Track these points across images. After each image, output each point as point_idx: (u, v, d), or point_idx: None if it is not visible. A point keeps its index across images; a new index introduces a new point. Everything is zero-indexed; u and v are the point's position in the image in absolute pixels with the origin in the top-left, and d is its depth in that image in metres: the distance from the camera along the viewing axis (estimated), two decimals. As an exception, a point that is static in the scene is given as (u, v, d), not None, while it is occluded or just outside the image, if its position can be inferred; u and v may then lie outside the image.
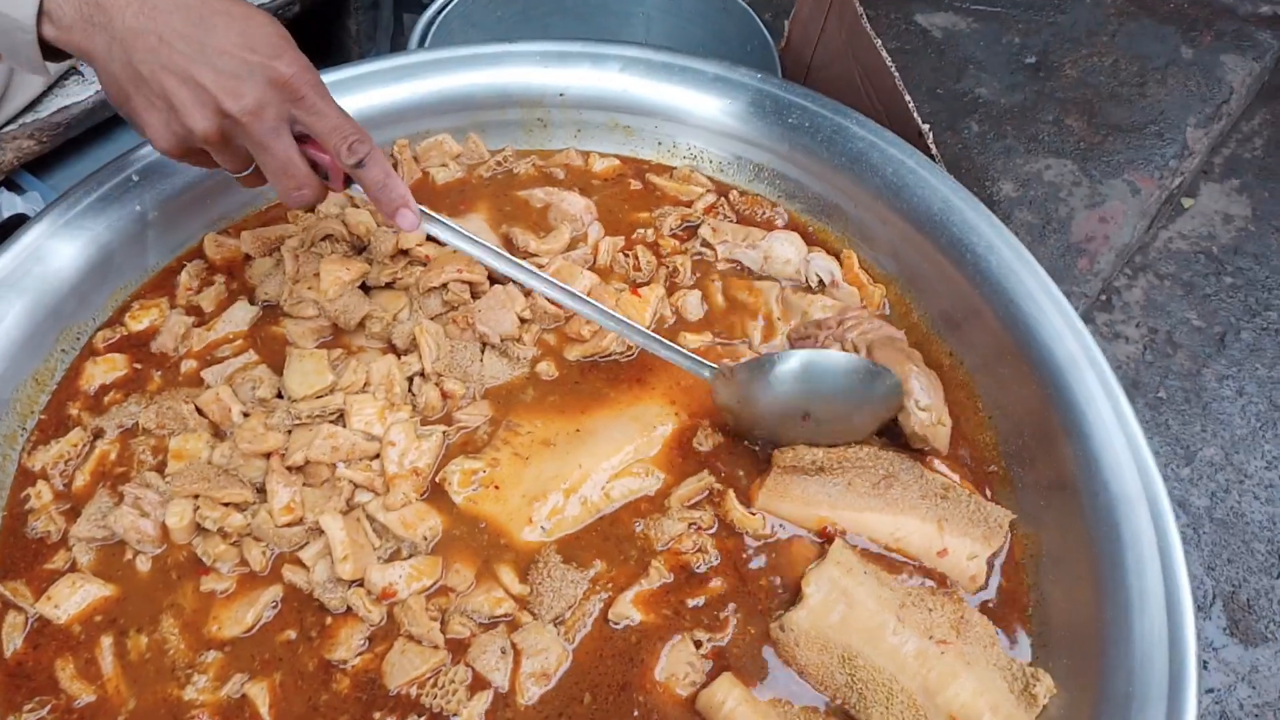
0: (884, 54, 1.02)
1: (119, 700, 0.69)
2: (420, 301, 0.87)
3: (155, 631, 0.72)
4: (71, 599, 0.73)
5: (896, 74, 1.01)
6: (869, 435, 0.81)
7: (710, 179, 1.01)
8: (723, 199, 0.99)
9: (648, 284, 0.92)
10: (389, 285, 0.89)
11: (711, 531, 0.78)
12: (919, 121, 0.98)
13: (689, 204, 0.98)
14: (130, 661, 0.71)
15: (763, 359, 0.79)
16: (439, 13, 1.27)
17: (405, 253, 0.90)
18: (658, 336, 0.82)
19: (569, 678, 0.71)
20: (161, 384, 0.85)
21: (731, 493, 0.79)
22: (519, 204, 0.99)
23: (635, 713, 0.69)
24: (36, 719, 0.68)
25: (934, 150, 0.97)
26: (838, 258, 0.94)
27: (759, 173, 0.99)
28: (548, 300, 0.87)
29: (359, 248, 0.91)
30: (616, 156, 1.03)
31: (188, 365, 0.86)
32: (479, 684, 0.71)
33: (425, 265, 0.89)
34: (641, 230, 0.97)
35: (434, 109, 1.00)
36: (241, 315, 0.89)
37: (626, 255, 0.94)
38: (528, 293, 0.89)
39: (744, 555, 0.77)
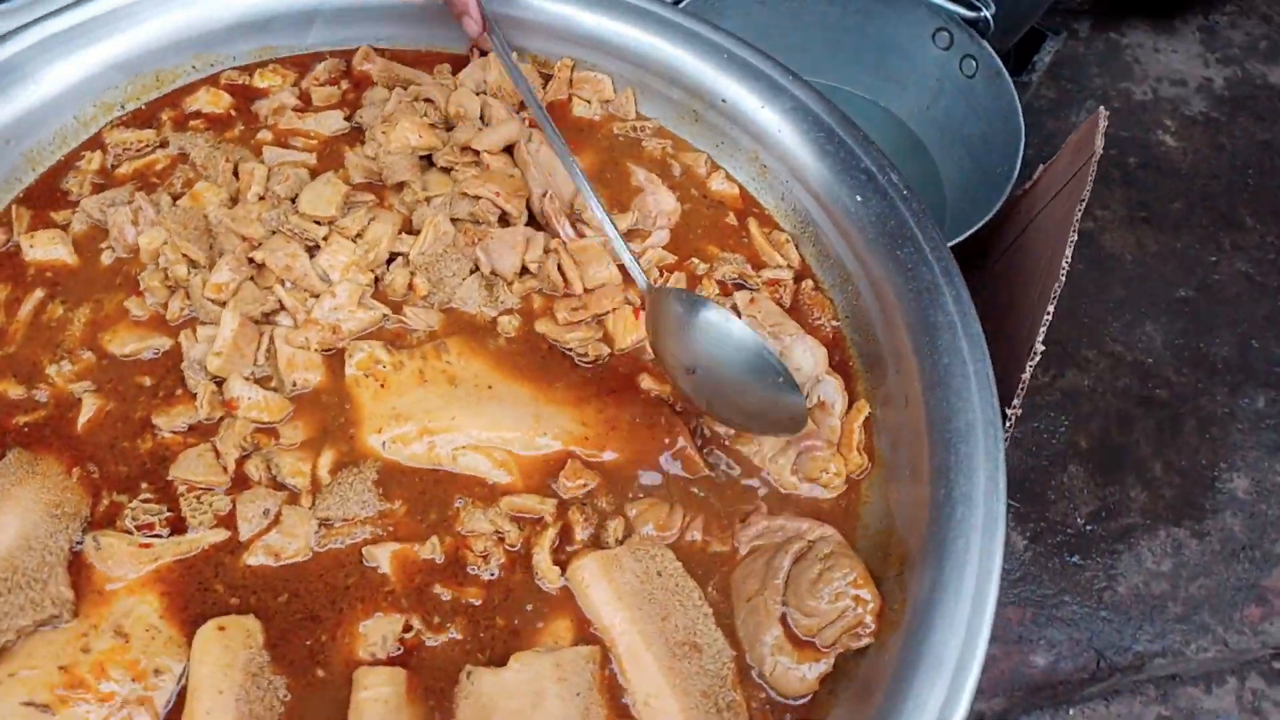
0: (1067, 253, 0.91)
1: (10, 339, 0.86)
2: (454, 200, 0.94)
3: (72, 310, 0.88)
4: (46, 248, 0.91)
5: (1060, 281, 0.90)
6: (765, 438, 0.85)
7: (800, 258, 0.97)
8: (794, 284, 0.95)
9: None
10: (446, 170, 0.97)
11: (511, 549, 0.79)
12: (1038, 342, 0.87)
13: (760, 265, 0.96)
14: (40, 320, 0.88)
15: (685, 294, 0.84)
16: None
17: (475, 152, 0.97)
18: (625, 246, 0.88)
19: (289, 571, 0.77)
20: (236, 137, 1.00)
21: (553, 535, 0.79)
22: (621, 172, 1.03)
23: (308, 642, 0.74)
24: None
25: (1007, 412, 0.86)
26: (853, 403, 0.88)
27: (844, 283, 0.94)
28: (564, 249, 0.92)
29: (448, 126, 1.00)
30: (739, 185, 1.02)
31: (263, 135, 1.00)
32: (228, 521, 0.79)
33: (480, 170, 0.96)
34: (696, 260, 0.96)
35: (609, 51, 1.05)
36: (330, 123, 1.02)
37: (662, 275, 0.94)
38: (548, 250, 0.93)
39: (516, 589, 0.78)
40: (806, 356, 0.90)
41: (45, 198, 0.95)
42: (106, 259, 0.92)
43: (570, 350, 0.91)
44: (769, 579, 0.79)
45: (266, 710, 0.71)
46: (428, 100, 1.00)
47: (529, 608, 0.78)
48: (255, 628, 0.75)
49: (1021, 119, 1.23)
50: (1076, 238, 0.93)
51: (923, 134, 1.48)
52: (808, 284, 0.97)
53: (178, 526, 0.79)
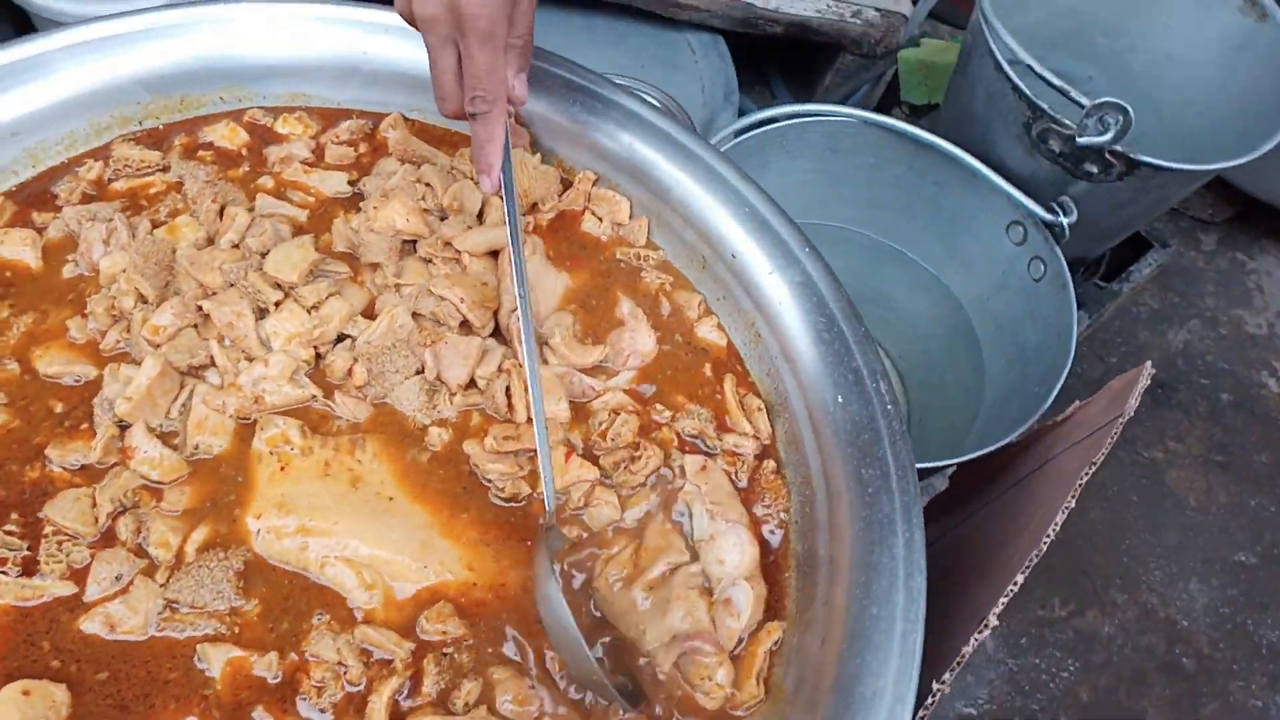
0: (1057, 520, 0.82)
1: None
2: (421, 294, 0.92)
3: (16, 316, 0.89)
4: (13, 248, 0.92)
5: (1040, 550, 0.81)
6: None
7: (771, 432, 0.92)
8: (754, 460, 0.90)
9: (595, 464, 0.87)
10: (426, 261, 0.95)
11: (351, 687, 0.75)
12: (991, 615, 0.78)
13: (726, 429, 0.91)
14: (-18, 317, 0.89)
15: (555, 547, 0.82)
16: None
17: (458, 251, 0.94)
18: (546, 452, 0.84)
19: (118, 648, 0.75)
20: (239, 177, 1.01)
21: (397, 685, 0.74)
22: (609, 300, 0.99)
23: (107, 728, 0.71)
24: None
25: (934, 686, 0.78)
26: (767, 620, 0.81)
27: (804, 483, 0.87)
28: (505, 373, 0.89)
29: (443, 216, 0.98)
30: (728, 338, 0.97)
31: (264, 181, 1.01)
32: (79, 577, 0.77)
33: (458, 269, 0.93)
34: (661, 406, 0.91)
35: (633, 174, 1.02)
36: (332, 184, 1.02)
37: (610, 417, 0.90)
38: (503, 370, 0.90)
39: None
40: (734, 552, 0.84)
41: (34, 197, 0.97)
42: (68, 272, 0.93)
43: (490, 481, 0.87)
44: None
45: (38, 794, 0.69)
46: (428, 184, 0.99)
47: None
48: (63, 701, 0.72)
49: (1074, 343, 1.15)
50: (1074, 504, 0.85)
51: (978, 322, 1.40)
52: (769, 465, 0.91)
53: (29, 568, 0.78)
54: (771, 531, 0.89)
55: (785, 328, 0.93)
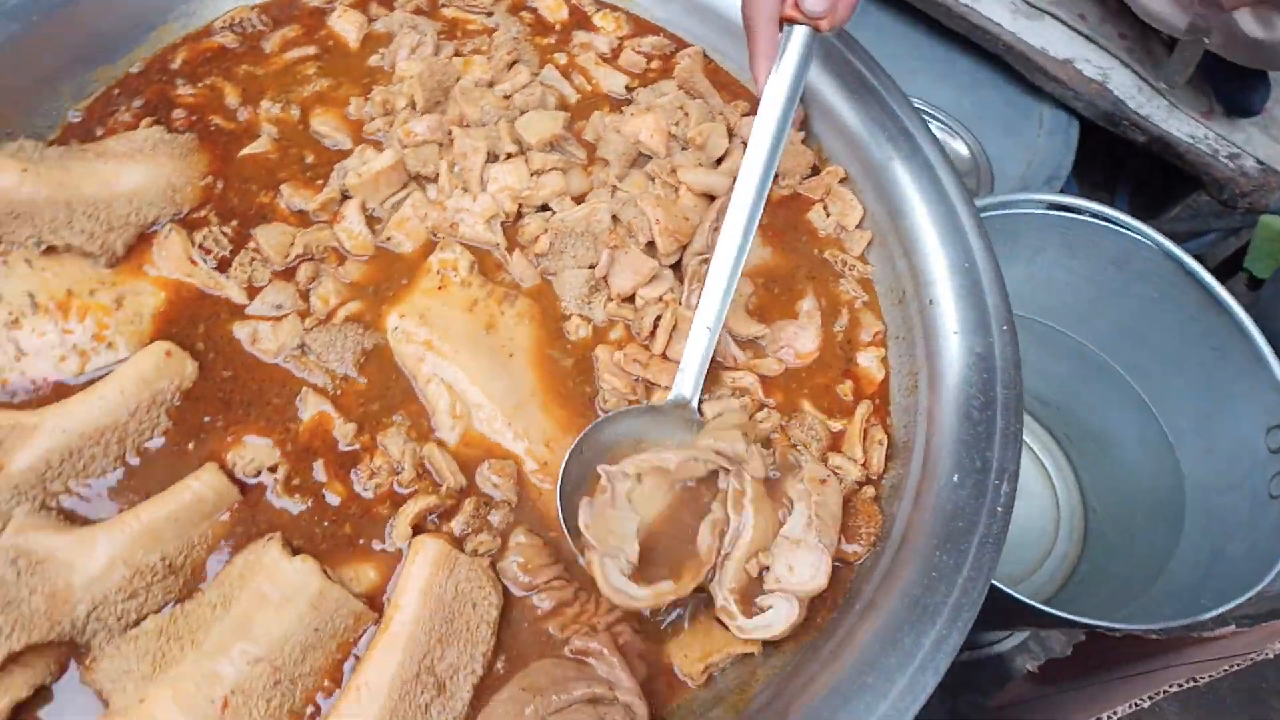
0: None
1: (267, 64, 1.05)
2: (628, 204, 0.97)
3: (319, 78, 1.05)
4: (344, 24, 1.09)
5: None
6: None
7: (880, 469, 0.90)
8: (854, 485, 0.88)
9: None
10: (650, 178, 1.01)
11: (397, 489, 0.83)
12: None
13: (836, 449, 0.90)
14: (295, 68, 1.06)
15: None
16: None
17: (679, 181, 0.99)
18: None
19: (249, 358, 0.88)
20: (541, 46, 1.12)
21: (432, 504, 0.81)
22: (795, 291, 0.99)
23: (205, 418, 0.84)
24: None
25: None
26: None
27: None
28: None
29: (684, 146, 1.03)
30: (887, 375, 0.95)
31: (559, 57, 1.11)
32: (252, 292, 0.90)
33: (672, 196, 0.98)
34: (777, 414, 0.92)
35: (879, 194, 1.02)
36: (614, 82, 1.10)
37: (738, 393, 0.91)
38: (663, 299, 0.94)
39: (369, 517, 0.82)
40: (807, 570, 0.83)
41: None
42: (373, 61, 1.07)
43: (600, 389, 0.92)
44: (540, 710, 0.76)
45: (135, 433, 0.83)
46: (686, 114, 1.04)
47: (364, 541, 0.82)
48: (190, 374, 0.86)
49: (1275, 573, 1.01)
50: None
51: (1192, 501, 1.26)
52: (868, 491, 0.89)
53: (222, 266, 0.92)
54: (860, 558, 0.88)
55: (943, 389, 0.90)
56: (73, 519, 0.79)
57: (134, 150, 0.95)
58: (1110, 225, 1.25)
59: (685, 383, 0.88)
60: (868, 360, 0.97)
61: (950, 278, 0.95)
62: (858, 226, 1.04)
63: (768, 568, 0.83)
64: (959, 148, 1.53)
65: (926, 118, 1.55)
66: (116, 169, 0.93)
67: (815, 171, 1.07)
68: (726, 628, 0.81)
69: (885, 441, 0.91)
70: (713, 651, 0.82)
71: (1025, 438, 1.46)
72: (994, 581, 0.96)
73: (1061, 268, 1.30)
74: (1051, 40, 1.59)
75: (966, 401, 0.88)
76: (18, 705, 0.72)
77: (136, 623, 0.76)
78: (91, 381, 0.84)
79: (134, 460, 0.82)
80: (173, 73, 1.04)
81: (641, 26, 1.16)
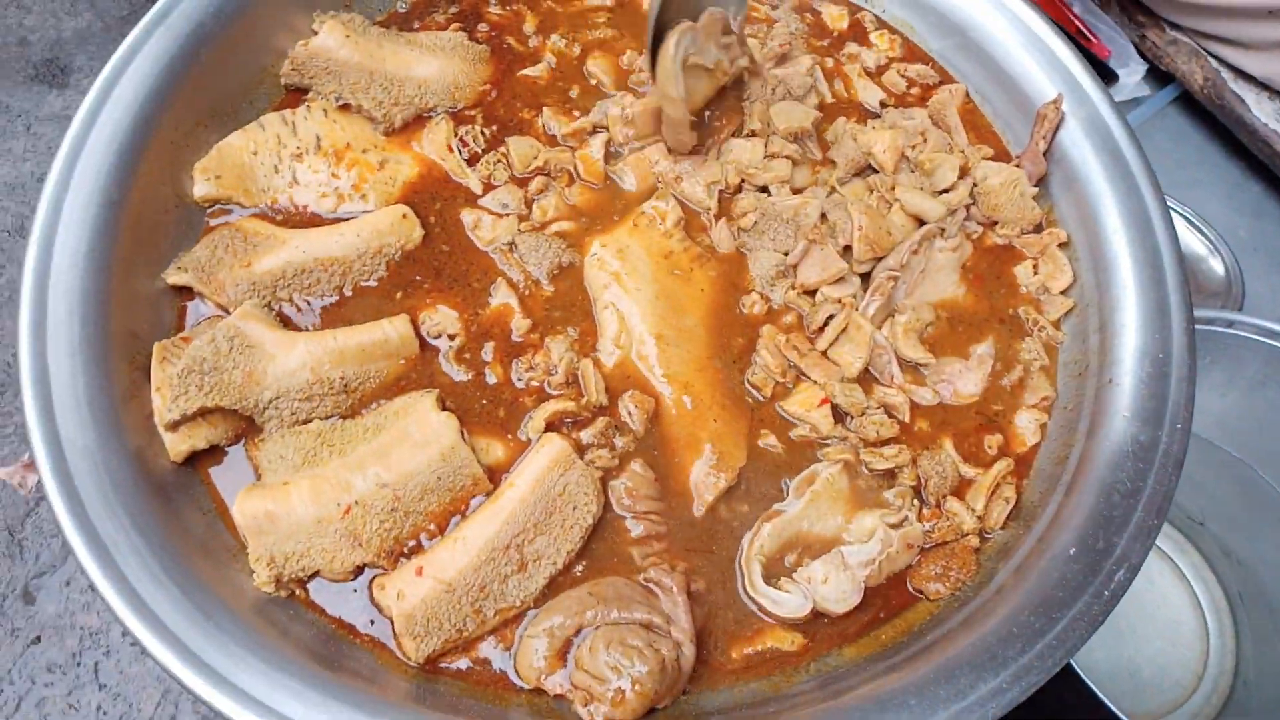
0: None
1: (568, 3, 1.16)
2: (840, 206, 1.00)
3: (607, 29, 1.15)
4: None
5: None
6: None
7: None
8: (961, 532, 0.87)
9: (837, 421, 0.91)
10: (870, 189, 1.03)
11: (546, 388, 0.91)
12: None
13: (958, 498, 0.89)
14: (586, 14, 1.16)
15: None
16: None
17: (895, 197, 1.01)
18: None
19: (470, 246, 0.99)
20: (815, 48, 1.17)
21: (570, 410, 0.89)
22: (976, 334, 0.99)
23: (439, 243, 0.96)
24: None
25: None
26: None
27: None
28: None
29: (912, 168, 1.04)
30: (1038, 443, 0.93)
31: (828, 60, 1.15)
32: (488, 187, 1.02)
33: (884, 209, 1.00)
34: (906, 448, 0.92)
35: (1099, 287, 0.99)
36: (870, 95, 1.13)
37: (882, 409, 0.92)
38: (841, 301, 0.96)
39: (521, 403, 0.91)
40: (836, 594, 0.84)
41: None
42: (656, 22, 1.17)
43: (754, 363, 0.95)
44: (600, 616, 0.81)
45: (358, 271, 0.95)
46: (925, 140, 1.05)
47: (504, 422, 0.90)
48: (416, 238, 0.98)
49: None
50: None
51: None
52: (972, 539, 0.88)
53: (472, 160, 1.04)
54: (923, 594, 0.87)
55: (1093, 466, 0.86)
56: (287, 324, 0.92)
57: (437, 47, 1.09)
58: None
59: None
60: (1026, 421, 0.95)
61: (1138, 362, 0.91)
62: (1062, 292, 1.01)
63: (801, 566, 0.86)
64: (1215, 266, 1.42)
65: (1189, 228, 1.47)
66: (418, 57, 1.08)
67: (1038, 230, 1.05)
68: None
69: (1012, 500, 0.90)
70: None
71: (1195, 586, 1.35)
72: (1091, 684, 0.91)
73: (1265, 385, 1.19)
74: (1359, 186, 1.45)
75: (1113, 484, 0.85)
76: (195, 453, 0.86)
77: (305, 422, 0.88)
78: (339, 220, 0.98)
79: (349, 292, 0.95)
80: (489, -9, 1.18)
81: (913, 53, 1.18)
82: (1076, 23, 1.68)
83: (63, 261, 0.84)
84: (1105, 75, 1.62)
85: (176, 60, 0.96)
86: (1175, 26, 1.63)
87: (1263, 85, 1.57)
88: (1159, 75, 1.67)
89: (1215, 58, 1.59)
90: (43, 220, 0.85)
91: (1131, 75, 1.63)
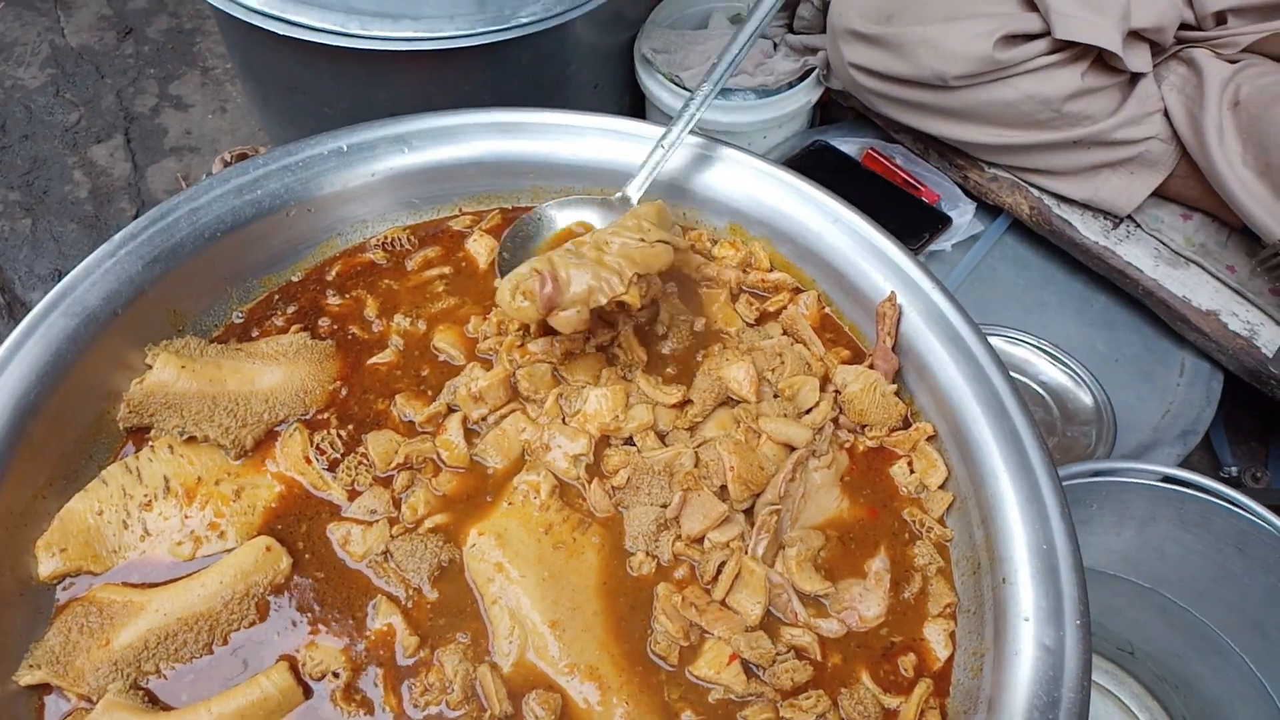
0: None
1: (406, 280, 1.17)
2: (707, 445, 1.00)
3: (448, 296, 1.16)
4: (478, 248, 1.20)
5: None
6: None
7: None
8: None
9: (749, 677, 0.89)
10: (736, 421, 1.04)
11: (444, 703, 0.86)
12: None
13: None
14: (428, 287, 1.17)
15: None
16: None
17: (761, 429, 1.01)
18: None
19: (336, 561, 0.95)
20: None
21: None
22: (867, 548, 0.99)
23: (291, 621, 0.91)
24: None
25: None
26: None
27: None
28: None
29: (774, 394, 1.06)
30: (950, 656, 0.91)
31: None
32: (352, 495, 0.99)
33: (753, 441, 1.00)
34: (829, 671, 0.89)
35: (973, 479, 1.01)
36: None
37: (791, 653, 0.90)
38: (730, 546, 0.95)
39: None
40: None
41: (507, 222, 1.24)
42: (496, 284, 1.17)
43: (653, 630, 0.92)
44: None
45: (225, 621, 0.90)
46: (783, 361, 1.07)
47: None
48: (284, 570, 0.94)
49: None
50: None
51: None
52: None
53: (332, 466, 1.01)
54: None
55: (1006, 679, 0.85)
56: (155, 701, 0.86)
57: (279, 353, 1.08)
58: (1231, 506, 1.17)
59: (633, 186, 1.15)
60: (934, 633, 0.94)
61: (1028, 558, 0.91)
62: (940, 488, 1.03)
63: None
64: (1083, 396, 1.48)
65: (1052, 361, 1.53)
66: (261, 369, 1.06)
67: (905, 425, 1.07)
68: None
69: (939, 729, 0.88)
70: None
71: (1140, 717, 1.35)
72: None
73: (1175, 541, 1.21)
74: (1195, 290, 1.54)
75: (1031, 698, 0.84)
76: None
77: (189, 818, 0.82)
78: (199, 568, 0.94)
79: (219, 646, 0.90)
80: (326, 283, 1.18)
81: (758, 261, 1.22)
82: (902, 174, 1.78)
83: (-109, 704, 0.78)
84: (940, 220, 1.70)
85: (2, 442, 0.92)
86: (993, 164, 1.73)
87: (1085, 204, 1.68)
88: (988, 208, 1.76)
89: (1036, 187, 1.69)
90: None
91: (963, 215, 1.73)
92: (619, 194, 1.16)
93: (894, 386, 1.07)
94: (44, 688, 0.87)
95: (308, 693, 0.88)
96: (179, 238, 1.08)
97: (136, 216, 2.04)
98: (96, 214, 2.02)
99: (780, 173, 1.21)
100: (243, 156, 1.19)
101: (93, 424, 1.01)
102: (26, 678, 0.86)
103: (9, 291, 1.93)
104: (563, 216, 1.18)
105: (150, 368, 1.03)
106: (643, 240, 1.04)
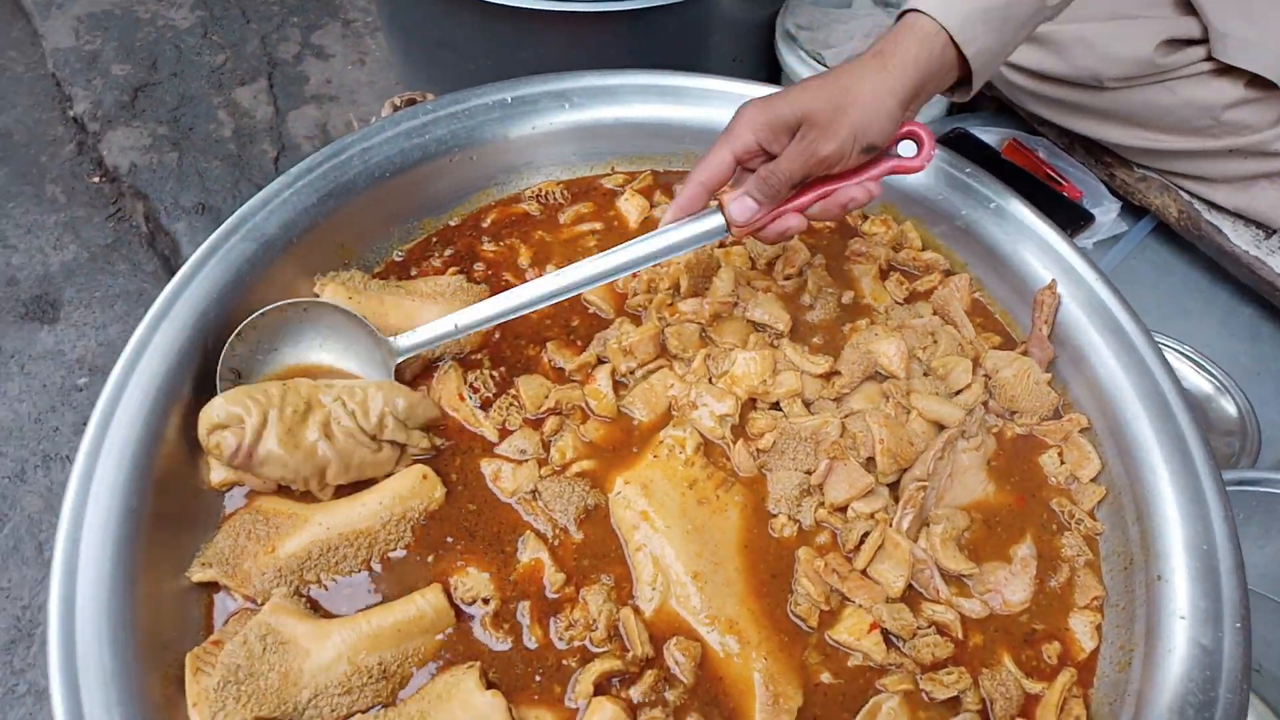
0: None
1: (559, 232, 1.19)
2: (855, 416, 1.01)
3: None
4: (631, 206, 1.21)
5: None
6: None
7: None
8: None
9: (888, 647, 0.89)
10: (885, 395, 1.04)
11: (587, 638, 0.89)
12: None
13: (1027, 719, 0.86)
14: (579, 241, 1.19)
15: None
16: None
17: (911, 405, 1.01)
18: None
19: (486, 493, 0.98)
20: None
21: (600, 669, 0.86)
22: (1014, 534, 0.98)
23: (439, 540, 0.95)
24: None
25: None
26: None
27: None
28: None
29: (925, 371, 1.06)
30: (1095, 648, 0.90)
31: (818, 258, 1.18)
32: (504, 433, 1.02)
33: (902, 417, 1.00)
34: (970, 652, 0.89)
35: (1129, 473, 0.99)
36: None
37: (932, 628, 0.90)
38: (875, 517, 0.96)
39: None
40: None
41: (665, 186, 1.26)
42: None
43: (794, 591, 0.93)
44: None
45: (383, 541, 0.94)
46: (935, 340, 1.07)
47: (550, 689, 0.88)
48: (438, 498, 0.98)
49: None
50: None
51: None
52: None
53: (485, 405, 1.05)
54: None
55: (1158, 676, 0.84)
56: (316, 608, 0.91)
57: (436, 292, 1.11)
58: None
59: (409, 340, 1.01)
60: (1080, 625, 0.93)
61: (1185, 557, 0.90)
62: (1092, 480, 1.01)
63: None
64: (1226, 405, 1.43)
65: (1195, 368, 1.49)
66: (420, 306, 1.09)
67: (1057, 415, 1.06)
68: None
69: (1082, 717, 0.87)
70: None
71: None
72: None
73: None
74: (1349, 303, 1.48)
75: (1184, 696, 0.83)
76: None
77: (346, 719, 0.86)
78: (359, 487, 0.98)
79: (376, 565, 0.94)
80: (481, 230, 1.21)
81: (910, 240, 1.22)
82: (1045, 167, 1.75)
83: (87, 587, 0.82)
84: (1082, 217, 1.67)
85: (184, 352, 0.97)
86: (1142, 164, 1.69)
87: (1237, 213, 1.62)
88: (1133, 209, 1.72)
89: (1186, 191, 1.64)
90: (63, 546, 0.84)
91: (1107, 214, 1.68)
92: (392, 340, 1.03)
93: (1048, 376, 1.06)
94: (213, 586, 0.92)
95: (459, 615, 0.91)
96: (351, 175, 1.13)
97: (277, 159, 2.13)
98: (239, 153, 2.10)
99: (941, 153, 1.21)
100: (411, 102, 1.23)
101: (263, 345, 1.06)
102: (198, 575, 0.91)
103: (154, 220, 2.02)
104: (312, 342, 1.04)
105: (318, 296, 1.08)
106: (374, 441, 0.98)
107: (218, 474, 0.97)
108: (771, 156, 0.96)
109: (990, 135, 1.82)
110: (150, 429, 0.92)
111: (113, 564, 0.85)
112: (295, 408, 0.97)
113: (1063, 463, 1.03)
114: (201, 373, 0.98)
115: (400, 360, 1.02)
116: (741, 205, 0.97)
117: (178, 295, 0.99)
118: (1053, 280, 1.09)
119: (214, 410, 0.94)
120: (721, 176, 0.98)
